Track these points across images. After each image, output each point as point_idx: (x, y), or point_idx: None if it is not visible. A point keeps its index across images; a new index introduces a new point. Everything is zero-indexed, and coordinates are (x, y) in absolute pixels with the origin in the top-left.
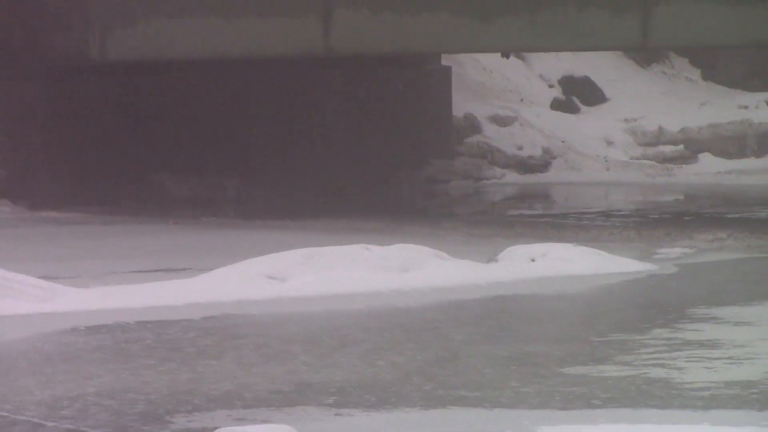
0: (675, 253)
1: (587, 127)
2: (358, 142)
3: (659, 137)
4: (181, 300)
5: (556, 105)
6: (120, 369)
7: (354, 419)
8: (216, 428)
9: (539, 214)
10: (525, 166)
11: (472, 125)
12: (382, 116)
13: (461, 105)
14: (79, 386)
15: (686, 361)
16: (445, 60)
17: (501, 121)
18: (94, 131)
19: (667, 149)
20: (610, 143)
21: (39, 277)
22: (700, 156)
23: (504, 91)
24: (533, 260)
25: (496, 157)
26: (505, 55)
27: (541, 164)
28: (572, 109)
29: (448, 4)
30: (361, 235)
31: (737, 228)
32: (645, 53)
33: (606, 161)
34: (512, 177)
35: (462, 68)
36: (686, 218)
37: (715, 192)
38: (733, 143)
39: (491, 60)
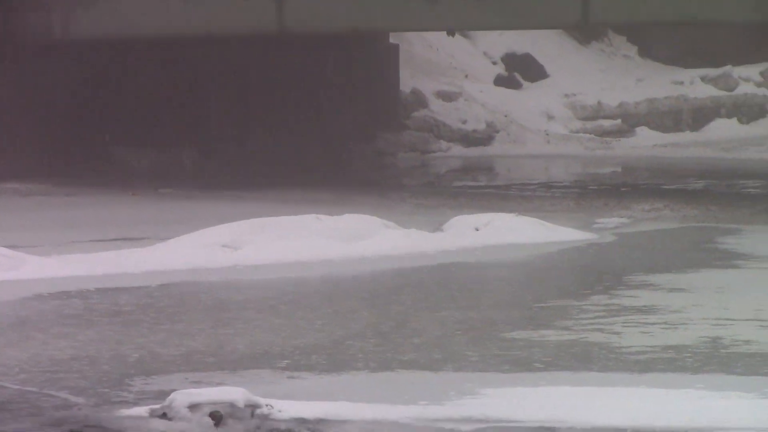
0: (613, 223)
1: (529, 102)
2: (309, 116)
3: (598, 112)
4: (139, 268)
5: (499, 81)
6: (81, 334)
7: (306, 382)
8: (173, 390)
9: (483, 186)
10: (469, 139)
11: (419, 100)
12: (333, 92)
13: (408, 81)
14: (42, 350)
15: (623, 326)
16: (393, 38)
17: (446, 96)
18: (58, 107)
19: (606, 123)
20: (550, 118)
21: (4, 247)
22: (638, 130)
23: (449, 67)
24: (477, 229)
25: (442, 131)
26: (451, 33)
27: (485, 138)
28: (514, 85)
29: None
30: (312, 205)
31: (673, 199)
32: (584, 31)
33: (547, 135)
34: (457, 150)
35: (409, 46)
36: (624, 189)
37: (651, 164)
38: (669, 118)
39: (437, 38)
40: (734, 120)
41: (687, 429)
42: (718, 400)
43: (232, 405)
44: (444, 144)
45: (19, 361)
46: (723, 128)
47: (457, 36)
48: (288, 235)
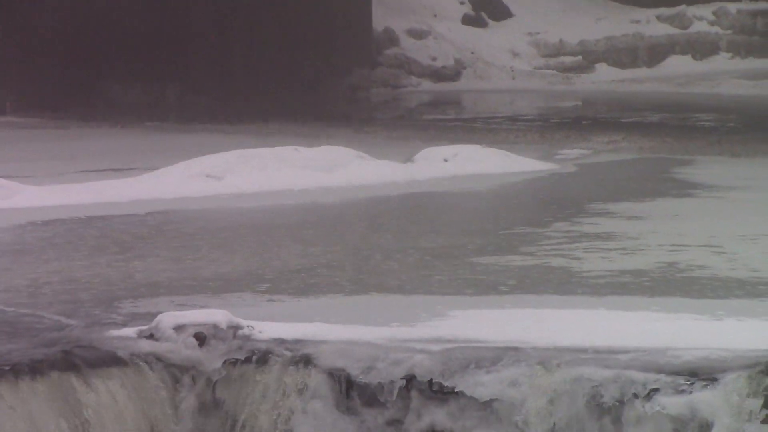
0: (574, 154)
1: (495, 40)
2: (287, 53)
3: (560, 49)
4: (126, 197)
5: (467, 20)
6: (72, 259)
7: (284, 304)
8: (159, 313)
9: (451, 119)
10: (438, 75)
11: (391, 38)
12: (309, 30)
13: (381, 20)
14: (36, 275)
15: (584, 252)
16: None
17: (417, 34)
18: (49, 43)
19: (567, 60)
20: (515, 55)
21: None
22: (597, 66)
23: (419, 7)
24: (446, 160)
25: (412, 67)
26: None
27: (453, 74)
28: (481, 24)
29: None
30: (290, 137)
31: (630, 131)
32: None
33: (511, 71)
34: (427, 85)
35: None
36: (584, 122)
37: (610, 99)
38: (627, 54)
39: None
40: (688, 57)
41: (643, 349)
42: (673, 321)
43: (215, 326)
44: (414, 80)
45: (13, 285)
46: (677, 64)
47: None
48: (268, 166)
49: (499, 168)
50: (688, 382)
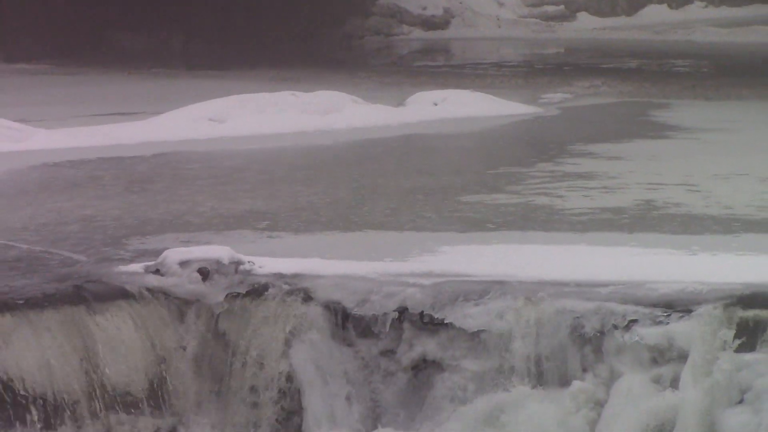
0: (557, 98)
1: None
2: (285, 4)
3: None
4: (134, 139)
5: None
6: (83, 199)
7: (283, 240)
8: (165, 249)
9: (441, 65)
10: (428, 24)
11: None
12: None
13: None
14: (49, 214)
15: (566, 191)
16: None
17: None
18: None
19: (550, 9)
20: (501, 4)
21: (13, 121)
22: (578, 15)
23: None
24: (436, 104)
25: (404, 16)
26: None
27: (442, 22)
28: None
29: None
30: (288, 83)
31: (610, 76)
32: None
33: (498, 20)
34: (418, 33)
35: None
36: (566, 68)
37: (591, 46)
38: (607, 3)
39: None
40: (665, 6)
41: (623, 282)
42: (651, 256)
43: (218, 262)
44: (406, 28)
45: (27, 223)
46: (655, 13)
47: None
48: (267, 110)
49: (486, 111)
50: (665, 314)
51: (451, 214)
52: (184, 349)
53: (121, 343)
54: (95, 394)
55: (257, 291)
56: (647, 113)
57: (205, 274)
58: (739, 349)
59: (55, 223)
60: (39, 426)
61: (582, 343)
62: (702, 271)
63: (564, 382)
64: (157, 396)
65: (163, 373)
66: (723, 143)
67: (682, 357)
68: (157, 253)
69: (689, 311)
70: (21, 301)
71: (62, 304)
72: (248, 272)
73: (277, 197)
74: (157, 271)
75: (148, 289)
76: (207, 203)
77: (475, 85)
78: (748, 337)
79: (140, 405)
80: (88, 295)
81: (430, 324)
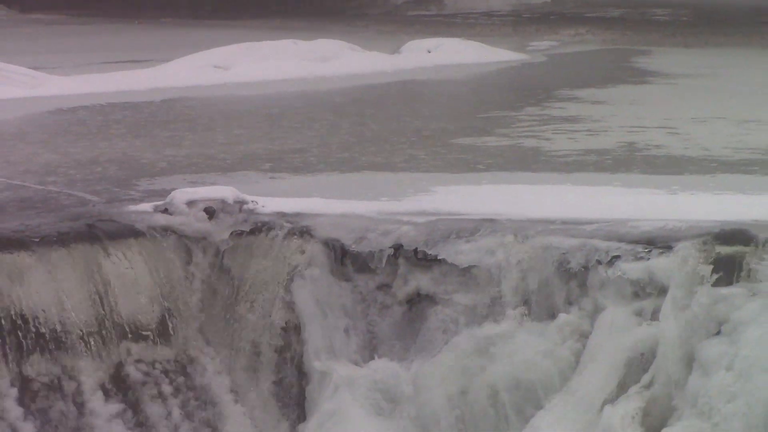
0: (544, 46)
1: None
2: None
3: None
4: (144, 86)
5: None
6: (95, 143)
7: (285, 181)
8: (173, 189)
9: (434, 15)
10: None
11: None
12: None
13: None
14: (62, 157)
15: (553, 133)
16: None
17: None
18: None
19: None
20: None
21: (29, 68)
22: None
23: None
24: (429, 52)
25: None
26: None
27: None
28: None
29: None
30: (290, 32)
31: (594, 25)
32: None
33: None
34: None
35: None
36: (552, 17)
37: None
38: None
39: None
40: None
41: (606, 220)
42: (633, 195)
43: (223, 201)
44: None
45: (42, 165)
46: None
47: None
48: (269, 57)
49: (477, 58)
50: (646, 250)
51: (443, 156)
52: (192, 283)
53: (131, 279)
54: (107, 327)
55: (260, 229)
56: (629, 60)
57: (210, 213)
58: (716, 284)
59: (68, 165)
60: (54, 357)
61: (567, 278)
62: (681, 210)
63: (551, 314)
64: (165, 328)
65: (171, 306)
66: (701, 88)
67: (663, 291)
68: (165, 193)
69: (669, 247)
70: (36, 240)
71: (75, 242)
72: (252, 211)
73: (279, 140)
74: (165, 211)
75: (157, 228)
76: (212, 145)
77: (466, 33)
78: (724, 271)
79: (149, 336)
80: (100, 233)
81: (423, 260)
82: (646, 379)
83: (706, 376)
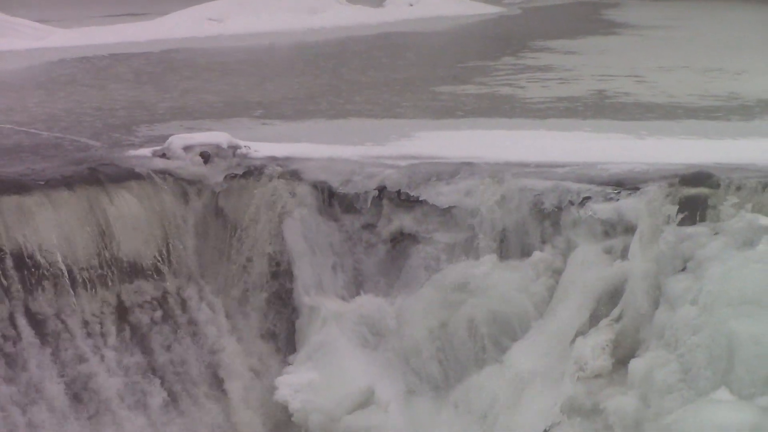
0: None
1: None
2: None
3: None
4: (143, 38)
5: None
6: (97, 91)
7: (276, 127)
8: (171, 135)
9: None
10: None
11: None
12: None
13: None
14: (66, 105)
15: (527, 82)
16: None
17: None
18: None
19: None
20: None
21: (34, 21)
22: None
23: None
24: (411, 5)
25: None
26: None
27: None
28: None
29: None
30: None
31: None
32: None
33: None
34: None
35: None
36: None
37: None
38: None
39: None
40: None
41: (578, 163)
42: (603, 140)
43: (217, 146)
44: None
45: (47, 113)
46: None
47: None
48: (261, 11)
49: (456, 11)
50: (616, 191)
51: (425, 104)
52: (188, 223)
53: (132, 219)
54: (109, 264)
55: (253, 172)
56: (599, 12)
57: (206, 157)
58: (682, 223)
59: (71, 113)
60: (59, 292)
61: (541, 218)
62: (648, 153)
63: (526, 252)
64: (163, 265)
65: (169, 244)
66: (668, 39)
67: (631, 230)
68: (163, 138)
69: (637, 189)
70: (42, 183)
71: (79, 184)
72: (245, 156)
73: (270, 89)
74: (163, 155)
75: (156, 171)
76: (208, 94)
77: None
78: (689, 211)
79: (148, 272)
80: (101, 176)
81: (406, 201)
82: (615, 312)
83: (672, 310)
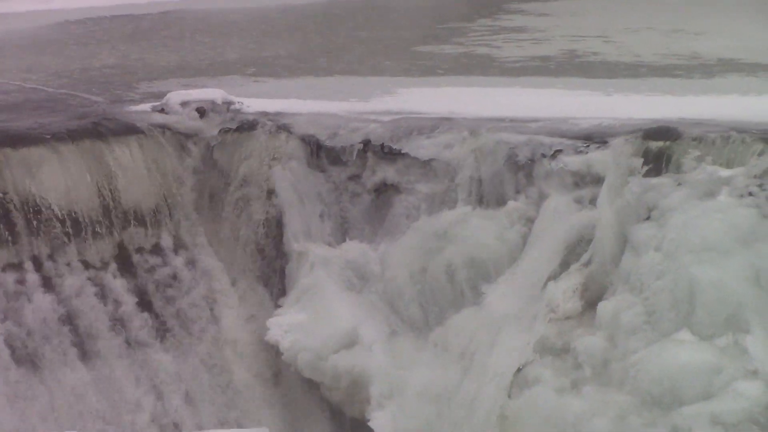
0: None
1: None
2: None
3: None
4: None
5: None
6: (100, 51)
7: (268, 84)
8: (169, 92)
9: None
10: None
11: None
12: None
13: None
14: (70, 63)
15: (503, 42)
16: None
17: None
18: None
19: None
20: None
21: None
22: None
23: None
24: None
25: None
26: None
27: None
28: None
29: None
30: None
31: None
32: None
33: None
34: None
35: None
36: None
37: None
38: None
39: None
40: None
41: (550, 118)
42: (574, 97)
43: (212, 102)
44: None
45: (53, 71)
46: None
47: None
48: None
49: None
50: (585, 145)
51: (406, 62)
52: (185, 174)
53: (132, 170)
54: (111, 212)
55: (245, 126)
56: None
57: (202, 112)
58: (647, 174)
59: (75, 71)
60: (65, 239)
61: (516, 170)
62: (616, 109)
63: (501, 202)
64: (162, 212)
65: (167, 194)
66: (634, 1)
67: (599, 181)
68: (162, 95)
69: (605, 142)
70: (48, 136)
71: (83, 138)
72: (238, 111)
73: (261, 48)
74: (162, 110)
75: (155, 125)
76: (204, 54)
77: None
78: (653, 164)
79: (148, 220)
80: (104, 130)
81: (389, 154)
82: (584, 258)
83: (637, 256)
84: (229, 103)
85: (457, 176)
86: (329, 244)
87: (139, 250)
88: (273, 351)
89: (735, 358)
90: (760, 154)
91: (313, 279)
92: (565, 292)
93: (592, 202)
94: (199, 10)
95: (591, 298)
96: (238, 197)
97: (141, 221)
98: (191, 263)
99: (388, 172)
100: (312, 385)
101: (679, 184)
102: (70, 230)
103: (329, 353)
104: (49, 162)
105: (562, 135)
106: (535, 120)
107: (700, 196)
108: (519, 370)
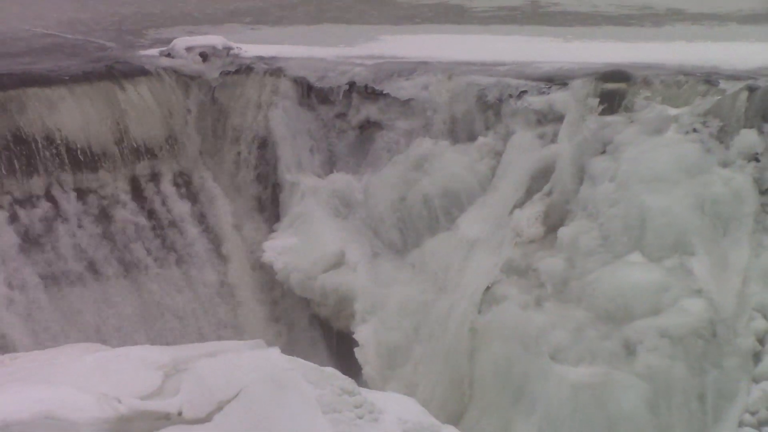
0: None
1: None
2: None
3: None
4: None
5: None
6: (113, 1)
7: (263, 31)
8: (174, 38)
9: None
10: None
11: None
12: None
13: None
14: (86, 12)
15: None
16: None
17: None
18: None
19: None
20: None
21: None
22: None
23: None
24: None
25: None
26: None
27: None
28: None
29: None
30: None
31: None
32: None
33: None
34: None
35: None
36: None
37: None
38: None
39: None
40: None
41: (516, 62)
42: (537, 43)
43: (214, 47)
44: None
45: (69, 18)
46: None
47: None
48: None
49: None
50: (547, 86)
51: (388, 12)
52: (190, 112)
53: (142, 108)
54: (123, 147)
55: (243, 69)
56: None
57: (204, 56)
58: (602, 113)
59: (91, 19)
60: (82, 170)
61: (485, 108)
62: (575, 54)
63: (472, 137)
64: (170, 147)
65: (174, 130)
66: None
67: (560, 119)
68: (169, 41)
69: (565, 84)
70: (66, 78)
71: (97, 79)
72: (237, 55)
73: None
74: (168, 55)
75: (162, 68)
76: (205, 4)
77: None
78: (608, 103)
79: (157, 154)
80: (117, 72)
81: (372, 94)
82: (547, 188)
83: (594, 186)
84: (228, 49)
85: (433, 114)
86: (318, 176)
87: (149, 178)
88: (268, 271)
89: (681, 278)
90: (704, 95)
91: (303, 206)
92: (529, 218)
93: (554, 138)
94: None
95: (552, 224)
96: (236, 133)
97: (150, 152)
98: (194, 189)
99: (371, 111)
100: (303, 302)
101: (632, 122)
102: (88, 162)
103: (318, 273)
104: (66, 101)
105: (527, 77)
106: (503, 64)
107: (650, 133)
108: (488, 288)
